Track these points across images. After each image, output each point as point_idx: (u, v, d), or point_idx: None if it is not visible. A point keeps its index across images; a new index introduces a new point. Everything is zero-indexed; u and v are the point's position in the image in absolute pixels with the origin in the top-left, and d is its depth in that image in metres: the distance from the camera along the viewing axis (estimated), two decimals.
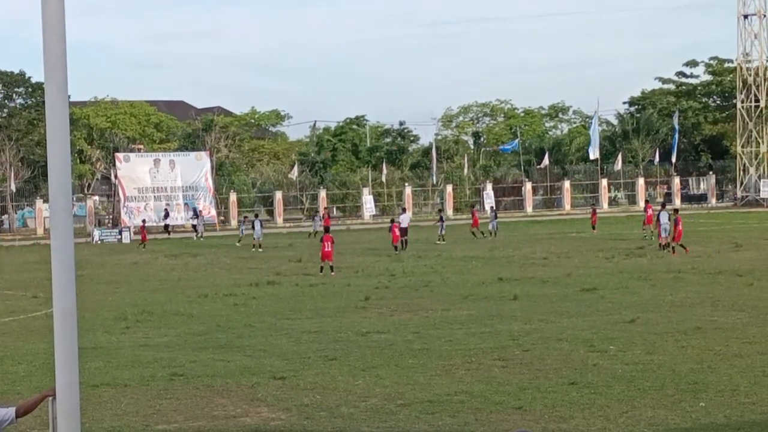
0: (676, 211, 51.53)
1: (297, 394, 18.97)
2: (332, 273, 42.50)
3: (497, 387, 19.01)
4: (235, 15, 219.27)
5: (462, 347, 23.37)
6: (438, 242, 60.71)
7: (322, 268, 43.20)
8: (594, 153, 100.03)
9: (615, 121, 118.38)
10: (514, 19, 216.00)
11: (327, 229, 47.64)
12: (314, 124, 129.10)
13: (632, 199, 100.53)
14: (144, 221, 76.24)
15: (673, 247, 47.51)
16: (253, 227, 62.62)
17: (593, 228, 66.60)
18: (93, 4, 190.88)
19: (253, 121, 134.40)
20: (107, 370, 21.88)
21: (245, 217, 76.04)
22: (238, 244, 64.13)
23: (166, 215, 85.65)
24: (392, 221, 59.11)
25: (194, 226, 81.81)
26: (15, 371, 22.18)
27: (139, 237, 70.52)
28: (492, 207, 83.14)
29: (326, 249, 43.16)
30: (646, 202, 72.79)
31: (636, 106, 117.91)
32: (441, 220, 64.38)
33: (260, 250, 59.10)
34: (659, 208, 54.46)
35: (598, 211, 75.51)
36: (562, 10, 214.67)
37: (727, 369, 19.95)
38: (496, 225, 66.78)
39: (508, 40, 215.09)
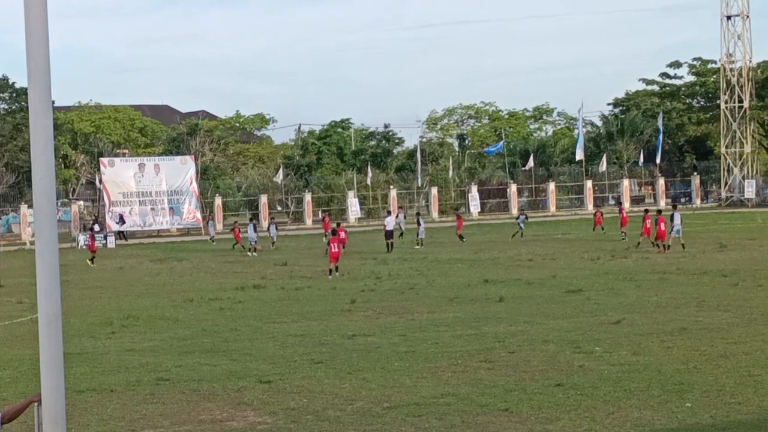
0: (659, 211, 51.62)
1: (283, 398, 18.96)
2: (336, 273, 42.63)
3: (483, 389, 19.02)
4: (220, 19, 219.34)
5: (448, 350, 23.39)
6: (417, 246, 59.98)
7: (330, 271, 43.28)
8: (579, 154, 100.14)
9: (599, 123, 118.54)
10: (498, 22, 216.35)
11: (334, 232, 47.54)
12: (299, 128, 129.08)
13: (617, 201, 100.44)
14: (236, 222, 75.71)
15: (666, 245, 48.42)
16: (258, 230, 62.58)
17: (602, 228, 64.78)
18: (76, 8, 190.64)
19: (237, 124, 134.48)
20: (93, 375, 21.84)
21: (272, 218, 76.24)
22: (272, 247, 63.52)
23: (122, 220, 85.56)
24: (338, 225, 59.52)
25: (120, 233, 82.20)
26: (0, 377, 22.12)
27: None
28: (521, 208, 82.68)
29: (333, 250, 43.40)
30: (620, 204, 72.68)
31: (620, 108, 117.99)
32: (418, 223, 62.96)
33: (255, 254, 58.85)
34: (671, 209, 54.61)
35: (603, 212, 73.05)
36: (545, 12, 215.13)
37: (712, 369, 20.00)
38: (523, 226, 65.15)
39: (493, 42, 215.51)
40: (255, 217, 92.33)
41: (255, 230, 61.66)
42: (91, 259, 56.66)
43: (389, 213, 67.66)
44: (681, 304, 29.95)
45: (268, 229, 65.88)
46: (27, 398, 9.84)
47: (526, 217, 67.90)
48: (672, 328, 25.33)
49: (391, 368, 21.42)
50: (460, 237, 64.05)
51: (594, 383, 19.09)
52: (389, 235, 58.49)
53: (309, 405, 18.34)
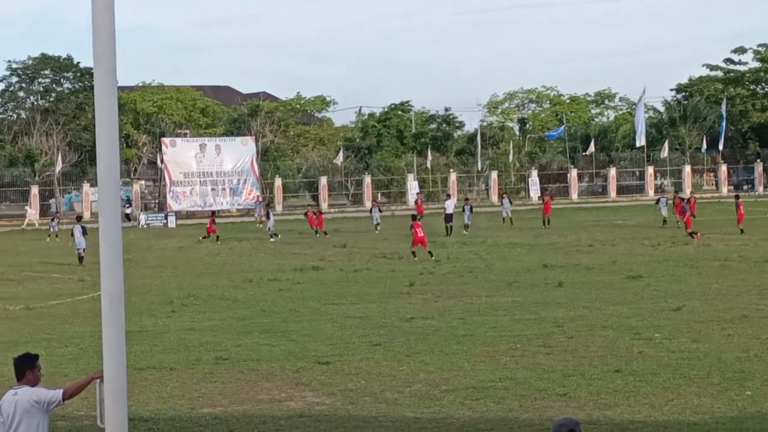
0: (682, 198, 50.98)
1: (341, 379, 19.02)
2: (432, 257, 42.57)
3: (542, 374, 18.98)
4: (282, 0, 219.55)
5: (506, 334, 23.35)
6: (464, 232, 58.02)
7: (414, 253, 43.33)
8: (640, 140, 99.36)
9: (662, 109, 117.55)
10: (561, 5, 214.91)
11: (417, 217, 47.14)
12: (359, 110, 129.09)
13: (678, 187, 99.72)
14: (310, 207, 74.63)
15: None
16: (268, 216, 62.15)
17: (693, 216, 54.73)
18: None
19: (298, 106, 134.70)
20: (153, 353, 22.04)
21: (375, 201, 76.02)
22: (376, 231, 61.90)
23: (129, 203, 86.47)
24: (314, 212, 59.52)
25: (127, 215, 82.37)
26: (62, 354, 22.37)
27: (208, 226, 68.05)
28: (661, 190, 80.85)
29: (419, 235, 43.69)
30: (676, 192, 71.70)
31: (683, 93, 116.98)
32: (470, 209, 60.98)
33: (271, 240, 57.67)
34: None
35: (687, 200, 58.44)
36: None
37: None
38: (665, 211, 59.70)
39: (555, 26, 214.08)
40: (315, 198, 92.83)
41: (269, 217, 61.71)
42: (204, 238, 57.02)
43: (449, 196, 67.47)
44: (742, 292, 29.68)
45: (267, 215, 63.48)
46: (88, 375, 9.98)
47: (667, 201, 61.07)
48: (733, 315, 25.12)
49: (450, 351, 21.42)
50: (546, 221, 62.07)
51: (653, 370, 18.99)
52: (449, 218, 58.27)
53: (367, 387, 18.38)
